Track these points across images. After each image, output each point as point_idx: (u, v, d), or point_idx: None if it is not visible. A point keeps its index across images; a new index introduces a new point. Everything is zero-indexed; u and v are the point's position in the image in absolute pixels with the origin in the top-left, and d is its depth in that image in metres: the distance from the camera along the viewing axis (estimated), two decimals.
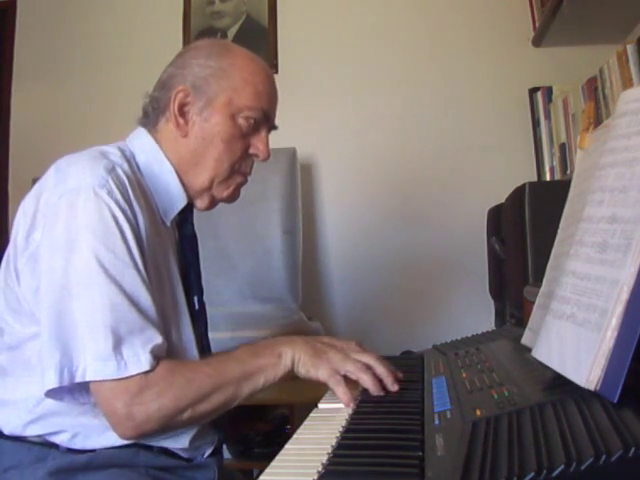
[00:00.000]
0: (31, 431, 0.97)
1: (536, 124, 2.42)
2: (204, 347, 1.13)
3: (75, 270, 0.91)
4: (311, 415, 0.94)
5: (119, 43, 2.72)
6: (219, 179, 1.10)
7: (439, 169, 2.56)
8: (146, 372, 0.90)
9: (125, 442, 0.97)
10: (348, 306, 2.58)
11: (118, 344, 0.89)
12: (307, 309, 2.37)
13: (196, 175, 1.09)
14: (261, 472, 0.69)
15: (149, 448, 1.00)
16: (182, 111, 1.07)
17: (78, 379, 0.88)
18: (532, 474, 0.50)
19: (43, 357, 0.90)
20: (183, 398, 0.92)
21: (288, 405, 2.21)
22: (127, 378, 0.89)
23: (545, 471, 0.50)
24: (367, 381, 0.96)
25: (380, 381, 0.97)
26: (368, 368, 0.98)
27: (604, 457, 0.49)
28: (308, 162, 2.61)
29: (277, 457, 0.74)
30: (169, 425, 0.94)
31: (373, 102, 2.61)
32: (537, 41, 2.45)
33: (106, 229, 0.92)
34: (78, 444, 0.97)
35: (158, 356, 0.92)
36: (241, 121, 1.08)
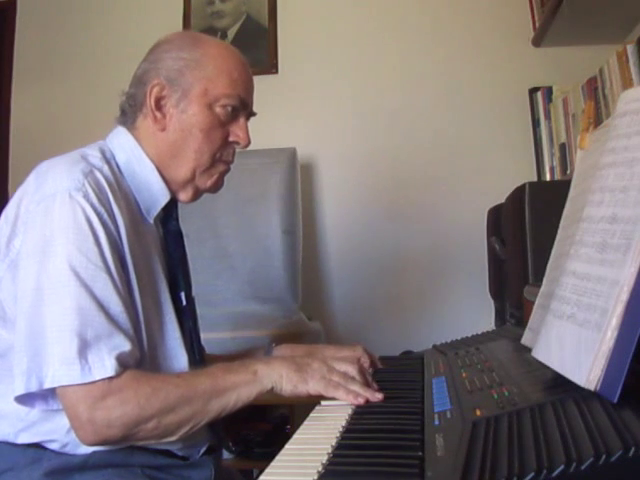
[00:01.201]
0: (23, 439, 0.97)
1: (536, 124, 2.42)
2: (193, 342, 1.11)
3: (47, 275, 0.90)
4: (311, 415, 0.94)
5: (119, 43, 2.72)
6: (201, 169, 1.09)
7: (439, 169, 2.56)
8: (110, 378, 0.89)
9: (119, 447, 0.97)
10: (348, 306, 2.58)
11: (84, 349, 0.88)
12: (307, 309, 2.37)
13: (177, 167, 1.09)
14: (261, 472, 0.69)
15: (144, 448, 1.00)
16: (159, 105, 1.07)
17: (47, 385, 0.88)
18: (532, 474, 0.50)
19: (14, 363, 0.91)
20: (147, 407, 0.90)
21: (288, 405, 2.21)
22: (91, 383, 0.88)
23: (545, 471, 0.50)
24: (360, 392, 0.94)
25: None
26: (353, 378, 0.98)
27: (604, 457, 0.49)
28: (308, 162, 2.62)
29: (277, 457, 0.74)
30: (133, 434, 0.91)
31: (373, 102, 2.61)
32: (537, 41, 2.45)
33: (80, 232, 0.92)
34: (70, 452, 0.97)
35: (125, 363, 0.91)
36: (218, 110, 1.07)
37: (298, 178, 2.42)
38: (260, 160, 2.39)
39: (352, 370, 1.00)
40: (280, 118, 2.66)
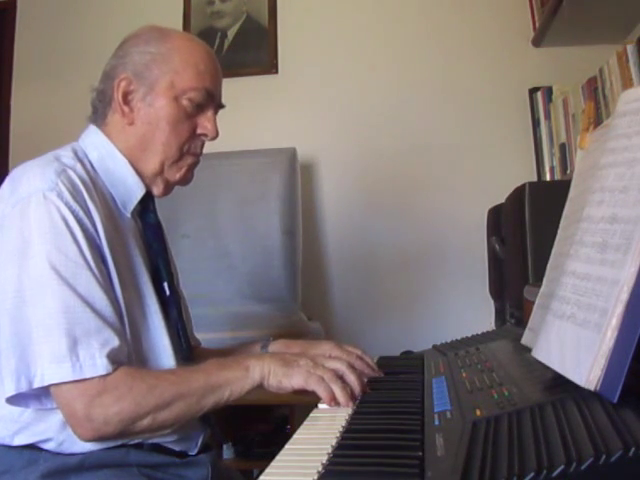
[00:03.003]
0: (19, 440, 0.97)
1: (536, 124, 2.42)
2: (179, 331, 1.12)
3: (28, 276, 0.91)
4: (311, 415, 0.94)
5: (119, 43, 2.72)
6: (169, 162, 1.10)
7: (439, 169, 2.56)
8: (105, 375, 0.90)
9: (115, 443, 0.97)
10: (348, 306, 2.58)
11: (74, 345, 0.89)
12: (307, 309, 2.37)
13: (146, 161, 1.09)
14: (261, 472, 0.68)
15: (139, 446, 1.00)
16: (126, 99, 1.08)
17: (37, 385, 0.88)
18: (532, 474, 0.50)
19: (2, 365, 0.91)
20: (143, 404, 0.91)
21: (288, 405, 2.21)
22: (85, 380, 0.89)
23: (545, 471, 0.50)
24: (337, 392, 0.95)
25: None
26: (339, 377, 0.98)
27: (604, 457, 0.49)
28: (308, 162, 2.61)
29: (277, 457, 0.74)
30: (129, 430, 0.93)
31: (373, 102, 2.61)
32: (537, 41, 2.45)
33: (56, 231, 0.93)
34: (66, 450, 0.97)
35: (116, 360, 0.92)
36: (185, 102, 1.08)
37: (298, 178, 2.42)
38: (260, 160, 2.39)
39: (341, 367, 1.00)
40: (280, 118, 2.66)
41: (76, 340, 0.89)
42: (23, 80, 2.82)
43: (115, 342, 0.93)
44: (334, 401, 0.94)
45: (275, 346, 1.25)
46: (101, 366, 0.90)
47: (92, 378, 0.89)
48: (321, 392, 0.95)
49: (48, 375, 0.88)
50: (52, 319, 0.89)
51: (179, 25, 2.70)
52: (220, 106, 1.15)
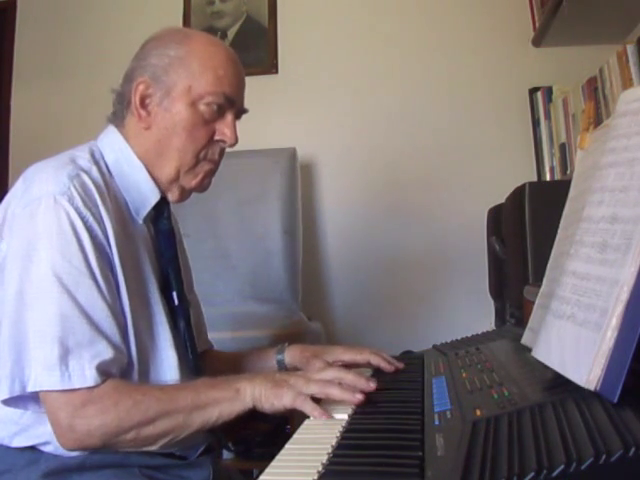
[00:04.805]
0: (18, 442, 0.97)
1: (536, 124, 2.42)
2: (186, 341, 1.10)
3: (30, 279, 0.90)
4: None
5: (119, 43, 2.71)
6: (185, 169, 1.07)
7: (439, 169, 2.56)
8: (92, 387, 0.89)
9: None
10: (348, 306, 2.58)
11: (65, 355, 0.88)
12: (307, 309, 2.37)
13: (162, 166, 1.07)
14: (261, 472, 0.68)
15: None
16: (143, 103, 1.06)
17: (30, 389, 0.88)
18: (532, 474, 0.50)
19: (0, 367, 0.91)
20: (127, 419, 0.90)
21: None
22: (72, 391, 0.88)
23: (545, 471, 0.50)
24: (336, 394, 0.92)
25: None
26: (335, 382, 0.95)
27: (604, 457, 0.49)
28: (308, 162, 2.62)
29: (277, 457, 0.74)
30: (112, 443, 0.92)
31: (373, 102, 2.61)
32: (537, 41, 2.45)
33: (63, 237, 0.92)
34: (65, 454, 0.97)
35: (107, 372, 0.91)
36: (203, 108, 1.05)
37: (298, 178, 2.42)
38: (260, 160, 2.39)
39: (337, 374, 0.96)
40: (280, 118, 2.66)
41: (68, 350, 0.89)
42: (23, 80, 2.83)
43: (108, 354, 0.91)
44: (325, 415, 0.89)
45: (291, 351, 1.24)
46: (89, 377, 0.89)
47: (79, 389, 0.89)
48: (308, 411, 0.90)
49: (40, 381, 0.88)
50: (48, 326, 0.89)
51: (179, 25, 2.70)
52: (242, 111, 1.12)
